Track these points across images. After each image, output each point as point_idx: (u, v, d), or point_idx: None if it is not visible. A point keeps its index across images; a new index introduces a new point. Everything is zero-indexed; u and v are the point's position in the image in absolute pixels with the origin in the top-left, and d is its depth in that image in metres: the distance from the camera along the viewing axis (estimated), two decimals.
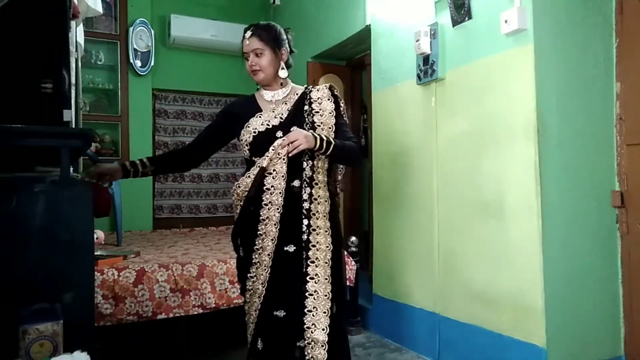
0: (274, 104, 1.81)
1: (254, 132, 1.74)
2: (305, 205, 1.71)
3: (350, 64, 4.19)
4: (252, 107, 1.82)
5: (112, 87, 4.53)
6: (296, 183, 1.72)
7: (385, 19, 3.10)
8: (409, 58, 2.84)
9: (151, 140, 4.72)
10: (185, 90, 4.93)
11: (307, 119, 1.75)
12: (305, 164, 1.72)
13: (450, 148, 2.57)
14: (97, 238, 3.35)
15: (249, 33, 1.81)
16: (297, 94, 1.83)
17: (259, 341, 1.73)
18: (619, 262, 2.29)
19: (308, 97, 1.80)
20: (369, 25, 3.26)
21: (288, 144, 1.62)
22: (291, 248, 1.72)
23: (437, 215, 2.65)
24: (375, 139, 3.23)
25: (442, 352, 2.59)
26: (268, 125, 1.75)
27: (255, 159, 1.74)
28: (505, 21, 2.18)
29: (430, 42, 2.63)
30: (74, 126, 1.75)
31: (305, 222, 1.70)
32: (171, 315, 2.55)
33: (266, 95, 1.83)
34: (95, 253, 2.60)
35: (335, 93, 1.82)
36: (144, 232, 4.34)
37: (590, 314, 2.22)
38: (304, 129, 1.71)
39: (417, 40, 2.65)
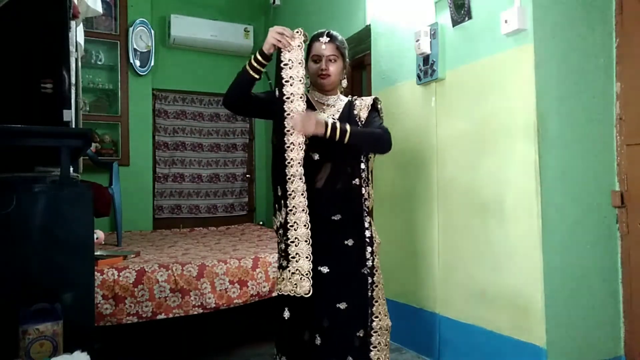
0: (325, 106, 1.91)
1: None
2: (367, 202, 1.83)
3: (351, 64, 4.18)
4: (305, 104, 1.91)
5: (112, 87, 4.54)
6: (356, 181, 1.83)
7: (385, 19, 3.10)
8: (409, 58, 2.84)
9: (151, 140, 4.73)
10: (185, 90, 4.93)
11: (357, 122, 1.86)
12: (363, 165, 1.83)
13: (450, 148, 2.57)
14: (97, 238, 3.36)
15: (326, 39, 1.86)
16: (342, 101, 1.93)
17: (317, 338, 1.77)
18: (619, 262, 2.29)
19: (353, 105, 1.92)
20: (369, 25, 3.26)
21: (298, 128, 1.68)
22: (350, 242, 1.80)
23: (437, 215, 2.65)
24: None
25: (442, 352, 2.59)
26: None
27: (310, 153, 1.81)
28: (505, 21, 2.18)
29: (430, 42, 2.63)
30: (74, 126, 1.75)
31: (368, 218, 1.82)
32: (171, 315, 2.55)
33: (317, 97, 1.92)
34: (95, 253, 2.60)
35: (377, 104, 1.93)
36: (144, 232, 4.34)
37: (590, 314, 2.21)
38: None
39: (417, 40, 2.65)
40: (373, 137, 1.81)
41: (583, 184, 2.23)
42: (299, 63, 1.73)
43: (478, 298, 2.38)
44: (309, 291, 1.69)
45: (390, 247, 2.96)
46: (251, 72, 1.74)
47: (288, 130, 1.71)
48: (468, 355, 2.43)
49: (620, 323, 2.28)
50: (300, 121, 1.67)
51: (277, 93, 1.75)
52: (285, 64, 1.72)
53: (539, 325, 2.09)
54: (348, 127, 1.71)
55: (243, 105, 1.83)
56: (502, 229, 2.26)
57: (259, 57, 1.72)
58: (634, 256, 2.24)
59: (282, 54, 1.73)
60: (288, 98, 1.72)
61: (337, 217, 1.80)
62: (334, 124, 1.69)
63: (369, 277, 1.80)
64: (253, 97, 1.81)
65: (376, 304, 1.80)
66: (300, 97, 1.72)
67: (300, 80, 1.72)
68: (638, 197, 2.22)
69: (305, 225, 1.71)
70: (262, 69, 1.75)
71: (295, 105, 1.71)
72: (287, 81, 1.72)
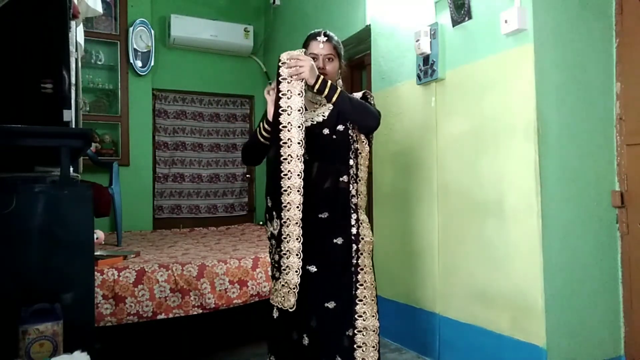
0: (317, 104, 1.92)
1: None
2: (354, 200, 1.80)
3: (350, 64, 4.18)
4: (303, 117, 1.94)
5: (112, 87, 4.53)
6: (344, 178, 1.81)
7: (385, 19, 3.10)
8: (409, 58, 2.84)
9: (151, 140, 4.72)
10: (185, 90, 4.93)
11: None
12: (352, 161, 1.81)
13: (450, 148, 2.57)
14: (97, 238, 3.35)
15: (323, 38, 1.89)
16: None
17: (305, 338, 1.78)
18: (619, 262, 2.29)
19: None
20: (369, 25, 3.26)
21: (297, 66, 1.73)
22: (339, 240, 1.79)
23: (437, 215, 2.65)
24: (375, 139, 3.20)
25: (442, 352, 2.59)
26: (312, 121, 1.85)
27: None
28: (505, 21, 2.18)
29: (430, 42, 2.62)
30: (74, 126, 1.75)
31: (354, 216, 1.79)
32: (171, 315, 2.55)
33: (310, 96, 1.92)
34: (95, 253, 2.60)
35: (366, 97, 1.93)
36: (144, 232, 4.34)
37: (590, 314, 2.22)
38: (347, 127, 1.82)
39: (417, 40, 2.65)
40: (362, 105, 1.83)
41: (583, 184, 2.23)
42: (298, 80, 1.76)
43: (478, 298, 2.38)
44: (294, 306, 1.72)
45: (391, 247, 2.96)
46: (262, 140, 1.87)
47: (285, 143, 1.73)
48: (468, 355, 2.43)
49: (620, 323, 2.28)
50: (307, 65, 1.72)
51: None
52: (284, 78, 1.76)
53: (539, 325, 2.09)
54: (340, 88, 1.78)
55: (262, 159, 1.96)
56: (502, 229, 2.26)
57: (267, 127, 1.83)
58: (634, 256, 2.24)
59: (279, 69, 1.77)
60: (285, 110, 1.74)
61: (324, 215, 1.79)
62: (325, 79, 1.75)
63: (352, 275, 1.78)
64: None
65: (360, 302, 1.77)
66: (299, 110, 1.73)
67: (299, 94, 1.74)
68: (638, 197, 2.22)
69: (297, 239, 1.72)
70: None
71: (291, 118, 1.73)
72: (284, 94, 1.75)
